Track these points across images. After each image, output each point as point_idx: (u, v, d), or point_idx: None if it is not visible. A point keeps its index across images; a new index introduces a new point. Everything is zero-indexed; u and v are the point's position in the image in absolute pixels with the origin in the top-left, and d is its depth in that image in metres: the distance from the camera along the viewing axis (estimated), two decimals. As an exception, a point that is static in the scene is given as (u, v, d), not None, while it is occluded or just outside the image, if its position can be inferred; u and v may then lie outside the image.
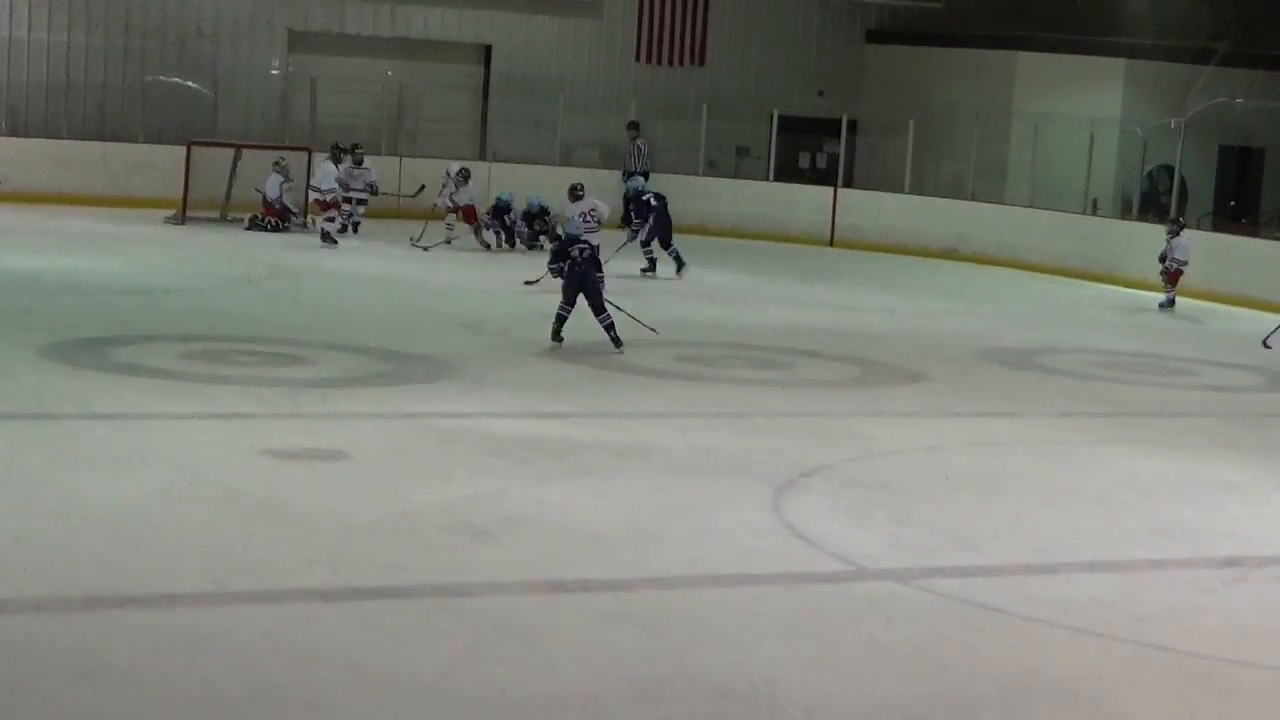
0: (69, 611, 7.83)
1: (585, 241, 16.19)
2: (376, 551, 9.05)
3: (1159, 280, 21.65)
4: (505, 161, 27.35)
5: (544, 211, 23.68)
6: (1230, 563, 9.87)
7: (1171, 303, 21.47)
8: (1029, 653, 8.12)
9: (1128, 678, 7.83)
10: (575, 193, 19.96)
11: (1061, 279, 24.41)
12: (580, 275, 15.58)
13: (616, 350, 15.40)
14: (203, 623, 7.83)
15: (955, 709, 7.26)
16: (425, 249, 22.68)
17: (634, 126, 27.66)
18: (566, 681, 7.27)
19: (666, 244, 21.96)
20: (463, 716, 6.82)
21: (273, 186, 23.99)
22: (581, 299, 15.61)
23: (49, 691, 6.81)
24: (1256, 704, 7.64)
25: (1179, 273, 21.45)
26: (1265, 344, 17.15)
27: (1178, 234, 21.53)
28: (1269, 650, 8.33)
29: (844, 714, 7.08)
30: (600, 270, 16.04)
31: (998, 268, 25.41)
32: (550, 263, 16.50)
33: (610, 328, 15.53)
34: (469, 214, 23.64)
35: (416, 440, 11.83)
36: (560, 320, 15.55)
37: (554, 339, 15.50)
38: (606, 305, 15.63)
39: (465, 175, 23.72)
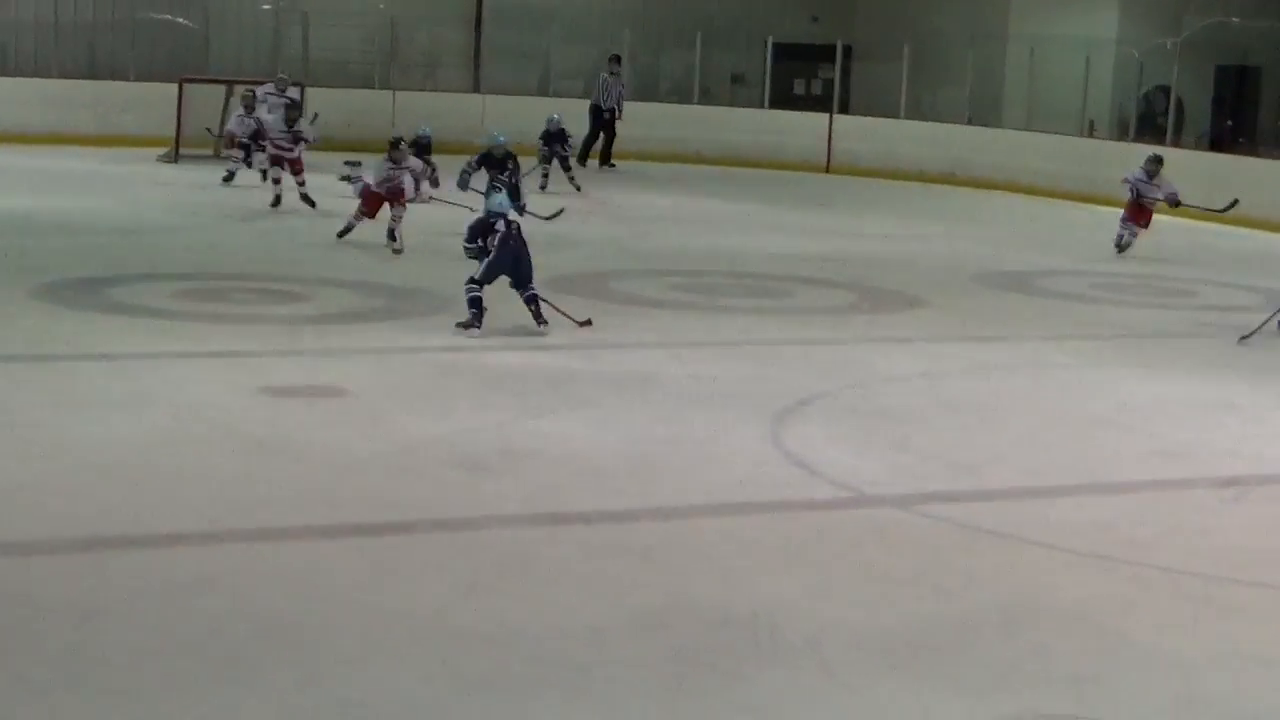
0: (68, 553, 7.81)
1: (511, 217, 13.32)
2: (376, 487, 9.04)
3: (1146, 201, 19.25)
4: (498, 94, 27.23)
5: (563, 134, 23.00)
6: (1231, 482, 9.86)
7: (1128, 245, 19.27)
8: (1030, 576, 8.12)
9: (1129, 599, 7.82)
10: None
11: (1059, 201, 24.34)
12: (515, 252, 13.09)
13: (539, 329, 13.08)
14: (203, 562, 7.81)
15: (956, 633, 7.26)
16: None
17: (616, 60, 26.50)
18: (567, 613, 7.27)
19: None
20: (464, 649, 6.82)
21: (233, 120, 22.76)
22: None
23: (48, 634, 6.79)
24: (1258, 623, 7.63)
25: (1149, 211, 19.30)
26: (1242, 339, 14.25)
27: (1157, 172, 19.21)
28: (1270, 569, 8.32)
29: (845, 640, 7.07)
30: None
31: (995, 191, 25.34)
32: (467, 240, 13.20)
33: (534, 300, 13.12)
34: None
35: (414, 375, 11.80)
36: (479, 303, 12.98)
37: (472, 324, 12.94)
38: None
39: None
